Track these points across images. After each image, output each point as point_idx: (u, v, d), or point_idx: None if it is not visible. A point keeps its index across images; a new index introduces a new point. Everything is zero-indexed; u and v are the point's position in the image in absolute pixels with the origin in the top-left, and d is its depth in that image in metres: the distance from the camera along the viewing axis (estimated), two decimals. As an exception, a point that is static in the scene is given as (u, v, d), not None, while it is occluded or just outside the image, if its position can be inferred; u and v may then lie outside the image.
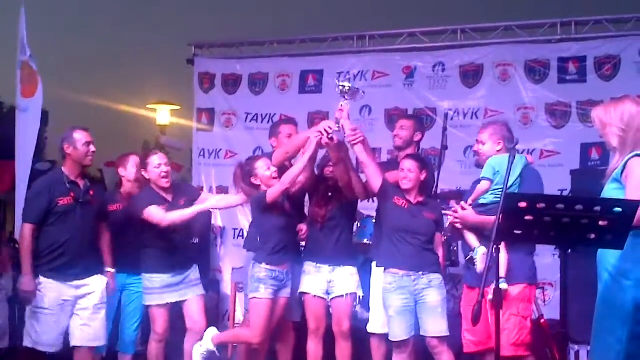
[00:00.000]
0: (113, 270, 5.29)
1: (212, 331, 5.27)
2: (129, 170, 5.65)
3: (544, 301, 6.07)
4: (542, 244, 4.25)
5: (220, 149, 8.50)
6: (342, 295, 5.31)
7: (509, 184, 4.52)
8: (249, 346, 5.30)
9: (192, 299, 5.42)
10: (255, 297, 5.06)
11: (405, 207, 5.03)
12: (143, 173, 5.36)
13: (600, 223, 3.15)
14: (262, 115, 8.36)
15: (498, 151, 4.68)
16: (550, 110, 7.37)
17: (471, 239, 4.71)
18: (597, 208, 3.14)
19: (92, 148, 5.14)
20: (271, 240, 5.10)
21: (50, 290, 4.95)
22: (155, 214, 5.22)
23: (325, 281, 5.30)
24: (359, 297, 5.44)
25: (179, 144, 11.21)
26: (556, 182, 5.08)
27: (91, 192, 5.17)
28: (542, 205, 3.17)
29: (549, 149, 7.11)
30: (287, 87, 8.40)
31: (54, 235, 4.98)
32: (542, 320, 5.34)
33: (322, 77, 8.25)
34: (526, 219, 3.21)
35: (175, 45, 11.28)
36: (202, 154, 8.66)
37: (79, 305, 5.03)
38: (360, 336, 5.46)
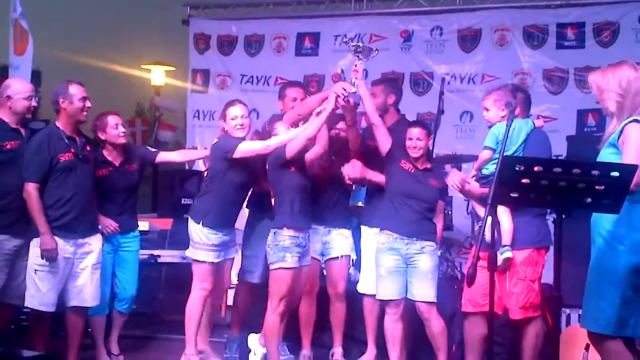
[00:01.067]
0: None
1: (254, 337, 5.32)
2: (110, 133, 5.32)
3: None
4: (538, 207, 4.26)
5: (215, 111, 8.40)
6: (337, 257, 5.34)
7: (513, 149, 4.51)
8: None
9: (228, 261, 5.34)
10: (281, 267, 4.85)
11: (412, 171, 5.01)
12: (222, 124, 5.17)
13: (597, 187, 3.13)
14: (257, 77, 8.33)
15: (503, 117, 4.56)
16: (548, 76, 7.36)
17: (479, 209, 4.71)
18: (595, 172, 3.12)
19: (88, 103, 5.00)
20: (289, 200, 4.89)
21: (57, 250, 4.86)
22: (252, 144, 5.03)
23: (320, 242, 5.32)
24: (352, 259, 5.47)
25: (173, 104, 11.17)
26: (552, 148, 5.09)
27: (87, 148, 5.09)
28: (539, 168, 3.16)
29: (545, 114, 7.07)
30: (283, 49, 8.35)
31: (58, 192, 4.89)
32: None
33: (319, 39, 8.22)
34: (523, 182, 3.19)
35: (171, 5, 11.18)
36: (196, 115, 8.63)
37: (77, 265, 4.98)
38: (352, 297, 5.50)
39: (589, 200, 3.20)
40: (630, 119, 3.53)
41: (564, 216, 3.40)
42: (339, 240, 5.36)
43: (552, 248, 5.21)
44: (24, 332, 5.54)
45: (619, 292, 3.48)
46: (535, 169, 3.17)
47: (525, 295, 4.53)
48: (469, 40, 7.67)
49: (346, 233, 5.40)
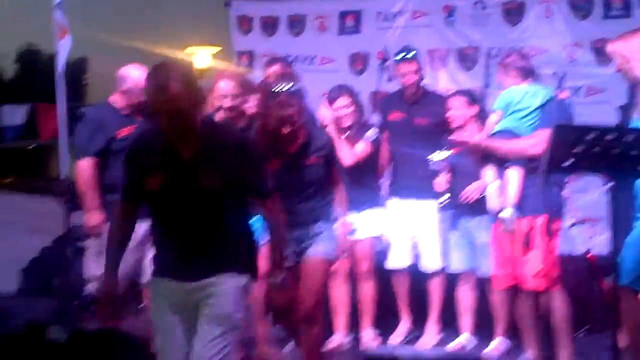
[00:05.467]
0: None
1: None
2: None
3: (590, 237, 6.03)
4: (591, 174, 4.22)
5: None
6: (366, 238, 5.37)
7: (525, 113, 4.62)
8: None
9: None
10: None
11: None
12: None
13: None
14: (302, 57, 8.30)
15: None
16: (596, 46, 7.21)
17: (487, 174, 4.71)
18: (647, 139, 3.09)
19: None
20: None
21: (160, 295, 3.42)
22: None
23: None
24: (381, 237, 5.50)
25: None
26: (603, 119, 5.04)
27: None
28: (591, 136, 3.14)
29: (594, 86, 6.97)
30: (325, 29, 8.32)
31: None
32: (588, 255, 5.37)
33: (361, 17, 8.15)
34: (575, 150, 3.18)
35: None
36: (243, 96, 8.65)
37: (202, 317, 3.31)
38: (382, 275, 5.58)
39: (643, 167, 3.17)
40: None
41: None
42: (366, 222, 5.33)
43: (603, 220, 5.19)
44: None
45: None
46: (588, 137, 3.14)
47: (539, 264, 4.44)
48: (514, 12, 7.55)
49: (375, 213, 5.40)
